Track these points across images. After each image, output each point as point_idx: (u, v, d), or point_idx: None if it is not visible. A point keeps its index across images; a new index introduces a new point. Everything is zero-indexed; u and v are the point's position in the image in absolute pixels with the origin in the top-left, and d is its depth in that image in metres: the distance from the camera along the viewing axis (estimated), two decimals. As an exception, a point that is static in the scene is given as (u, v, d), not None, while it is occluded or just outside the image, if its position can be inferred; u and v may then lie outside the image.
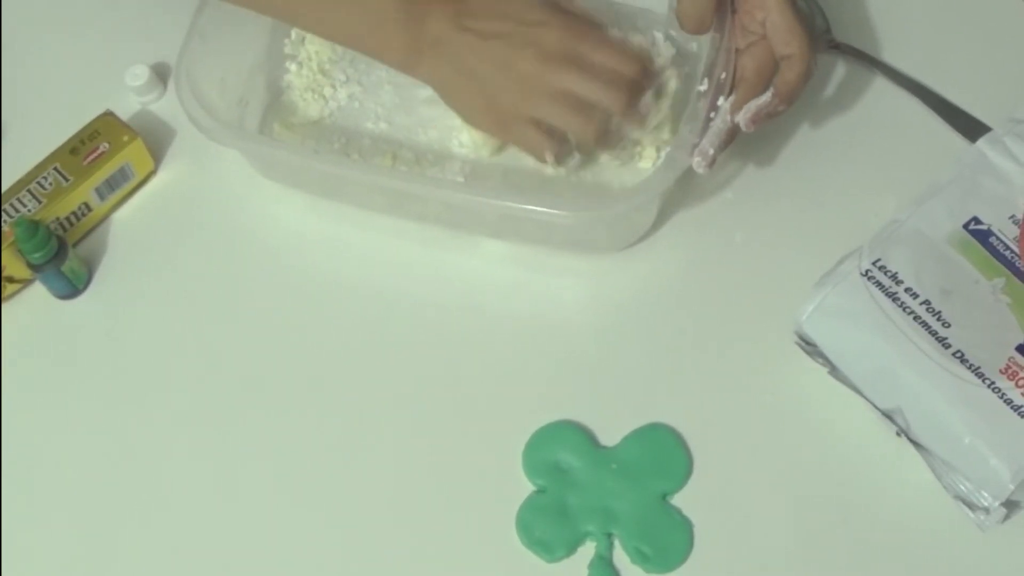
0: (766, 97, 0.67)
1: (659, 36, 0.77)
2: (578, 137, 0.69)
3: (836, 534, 0.64)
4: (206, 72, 0.72)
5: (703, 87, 0.68)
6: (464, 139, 0.76)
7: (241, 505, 0.67)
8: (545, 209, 0.65)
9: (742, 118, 0.67)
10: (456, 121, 0.76)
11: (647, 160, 0.74)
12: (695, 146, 0.66)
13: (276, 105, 0.78)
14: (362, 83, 0.79)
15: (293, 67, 0.79)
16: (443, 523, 0.65)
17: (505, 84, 0.66)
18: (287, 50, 0.80)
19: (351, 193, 0.74)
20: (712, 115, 0.67)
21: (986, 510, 0.63)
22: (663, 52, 0.77)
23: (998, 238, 0.68)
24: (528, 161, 0.75)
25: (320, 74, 0.79)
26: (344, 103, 0.78)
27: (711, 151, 0.66)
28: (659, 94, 0.70)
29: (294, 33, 0.80)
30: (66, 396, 0.70)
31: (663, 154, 0.74)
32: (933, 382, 0.63)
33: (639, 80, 0.67)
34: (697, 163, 0.67)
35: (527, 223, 0.69)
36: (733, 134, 0.68)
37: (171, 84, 0.78)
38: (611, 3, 0.78)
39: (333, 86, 0.79)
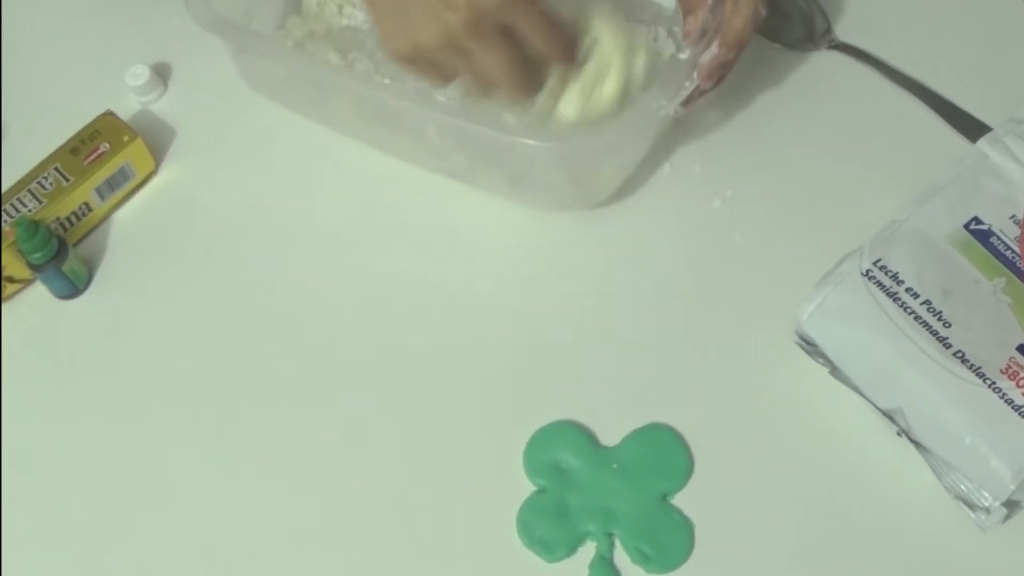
0: (713, 49, 0.66)
1: (662, 32, 0.77)
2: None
3: (836, 534, 0.64)
4: None
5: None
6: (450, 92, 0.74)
7: (241, 504, 0.67)
8: (532, 142, 0.65)
9: (697, 75, 0.67)
10: None
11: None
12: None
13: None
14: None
15: None
16: (443, 523, 0.65)
17: (426, 24, 0.62)
18: None
19: (332, 107, 0.73)
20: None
21: (987, 510, 0.63)
22: (664, 49, 0.77)
23: (999, 238, 0.68)
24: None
25: None
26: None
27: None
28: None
29: None
30: (66, 396, 0.70)
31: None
32: (934, 382, 0.63)
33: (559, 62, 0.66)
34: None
35: (500, 155, 0.68)
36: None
37: (171, 84, 0.78)
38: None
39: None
